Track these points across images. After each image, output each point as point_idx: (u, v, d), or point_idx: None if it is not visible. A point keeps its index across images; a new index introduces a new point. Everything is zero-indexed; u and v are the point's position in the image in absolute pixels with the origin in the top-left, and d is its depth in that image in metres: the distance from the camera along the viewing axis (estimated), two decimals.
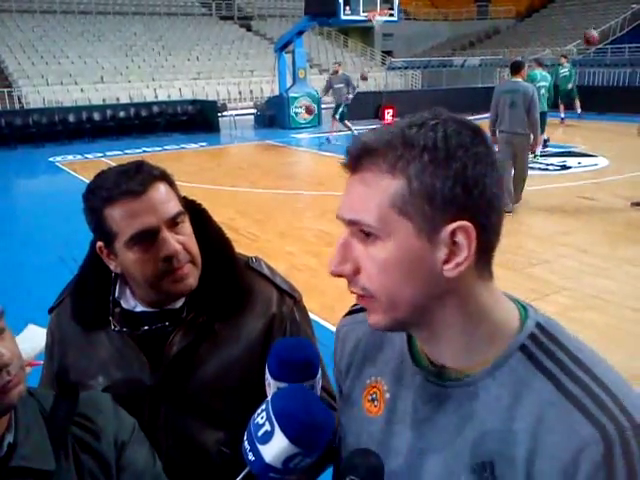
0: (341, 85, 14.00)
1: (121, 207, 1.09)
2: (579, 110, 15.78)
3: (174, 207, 1.14)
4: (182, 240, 1.14)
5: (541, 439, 0.68)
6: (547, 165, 10.39)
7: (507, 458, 0.70)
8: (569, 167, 10.27)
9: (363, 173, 0.71)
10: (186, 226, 1.17)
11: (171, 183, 1.18)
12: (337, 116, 14.12)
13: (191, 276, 1.16)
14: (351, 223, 0.73)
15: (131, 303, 1.22)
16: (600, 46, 24.57)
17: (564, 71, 15.48)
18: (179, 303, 1.20)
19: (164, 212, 1.12)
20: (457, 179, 0.68)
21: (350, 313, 0.99)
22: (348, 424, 0.91)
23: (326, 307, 4.67)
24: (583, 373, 0.70)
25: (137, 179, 1.10)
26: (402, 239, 0.70)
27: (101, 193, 1.11)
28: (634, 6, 26.88)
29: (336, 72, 14.24)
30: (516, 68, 7.34)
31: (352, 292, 0.76)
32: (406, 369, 0.83)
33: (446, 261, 0.70)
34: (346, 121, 14.20)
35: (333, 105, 14.50)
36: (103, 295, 1.22)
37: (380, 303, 0.74)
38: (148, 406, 1.19)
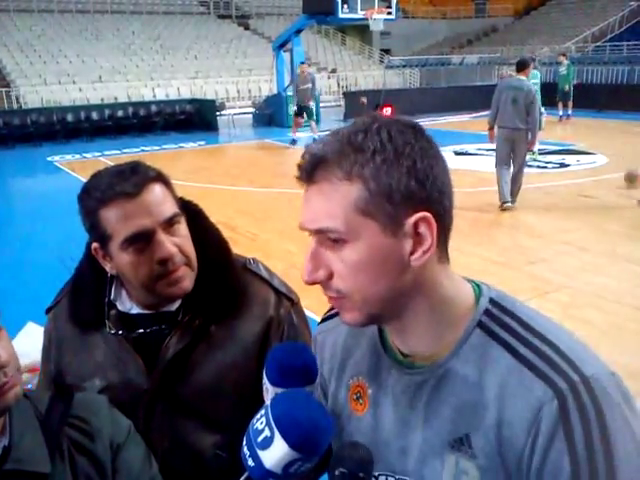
0: (308, 86, 13.36)
1: (115, 209, 1.08)
2: (570, 110, 15.85)
3: (169, 209, 1.12)
4: (178, 242, 1.12)
5: (505, 405, 0.73)
6: (546, 163, 10.39)
7: (480, 428, 0.75)
8: (568, 165, 10.27)
9: (320, 184, 0.75)
10: (182, 228, 1.15)
11: (167, 184, 1.16)
12: (312, 117, 13.55)
13: (186, 279, 1.14)
14: (318, 232, 0.76)
15: (127, 305, 1.21)
16: (599, 43, 24.60)
17: (562, 70, 15.53)
18: (175, 305, 1.19)
19: (159, 214, 1.10)
20: (410, 174, 0.73)
21: (324, 320, 1.04)
22: (339, 426, 0.92)
23: (324, 305, 4.63)
24: (535, 338, 0.76)
25: (132, 180, 1.09)
26: (369, 238, 0.74)
27: (96, 194, 1.09)
28: (632, 4, 26.88)
29: (303, 72, 13.50)
30: (522, 66, 7.42)
31: (327, 295, 0.80)
32: (382, 364, 0.88)
33: (412, 252, 0.75)
34: (297, 122, 13.59)
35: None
36: (99, 297, 1.21)
37: (354, 302, 0.78)
38: (144, 409, 1.18)
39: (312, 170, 0.75)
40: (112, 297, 1.21)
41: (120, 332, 1.18)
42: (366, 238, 0.74)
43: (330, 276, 0.77)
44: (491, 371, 0.76)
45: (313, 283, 0.78)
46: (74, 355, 1.24)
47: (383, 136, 0.73)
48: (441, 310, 0.80)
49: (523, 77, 7.35)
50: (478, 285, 0.84)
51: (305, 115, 13.73)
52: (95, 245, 1.15)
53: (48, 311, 1.31)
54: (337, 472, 0.76)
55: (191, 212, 1.23)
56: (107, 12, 26.01)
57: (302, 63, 14.16)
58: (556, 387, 0.71)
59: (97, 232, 1.12)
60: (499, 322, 0.78)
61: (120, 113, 16.17)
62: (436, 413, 0.79)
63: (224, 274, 1.22)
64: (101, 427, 1.00)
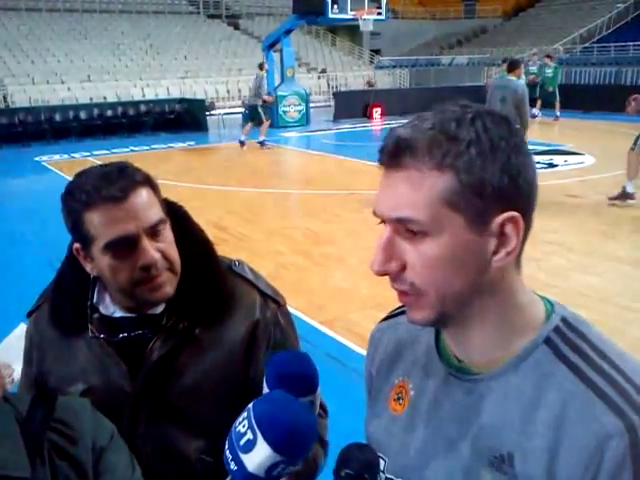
0: (265, 84, 13.22)
1: (100, 212, 1.06)
2: (558, 112, 16.00)
3: (155, 214, 1.10)
4: (161, 248, 1.11)
5: (564, 430, 0.68)
6: None
7: (527, 450, 0.70)
8: (556, 165, 10.33)
9: (408, 170, 0.70)
10: (167, 232, 1.13)
11: (154, 188, 1.14)
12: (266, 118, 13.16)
13: (168, 284, 1.13)
14: (398, 221, 0.71)
15: (110, 309, 1.19)
16: (586, 45, 24.78)
17: (549, 72, 15.72)
18: (159, 309, 1.17)
19: (144, 219, 1.08)
20: (504, 170, 0.69)
21: (386, 319, 1.00)
22: (375, 425, 0.90)
23: (313, 305, 4.66)
24: (607, 365, 0.70)
25: (119, 184, 1.07)
26: (454, 234, 0.70)
27: (81, 196, 1.07)
28: (619, 6, 27.09)
29: (264, 69, 13.18)
30: (510, 66, 7.78)
31: (396, 289, 0.76)
32: (432, 366, 0.83)
33: (495, 252, 0.71)
34: (250, 125, 13.28)
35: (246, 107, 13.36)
36: (81, 300, 1.19)
37: (428, 299, 0.73)
38: (128, 413, 1.16)
39: (398, 155, 0.70)
40: (95, 301, 1.19)
41: (102, 336, 1.16)
42: (450, 232, 0.70)
43: (403, 268, 0.73)
44: (552, 391, 0.70)
45: (384, 274, 0.74)
46: (56, 359, 1.22)
47: (478, 127, 0.69)
48: (510, 317, 0.75)
49: (513, 77, 7.63)
50: (551, 302, 0.79)
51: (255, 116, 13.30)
52: (77, 245, 1.13)
53: (29, 314, 1.29)
54: (343, 473, 0.75)
55: (175, 214, 1.21)
56: (95, 11, 25.81)
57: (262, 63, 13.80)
58: (628, 420, 0.64)
59: (79, 233, 1.10)
60: (569, 342, 0.73)
61: (109, 113, 16.07)
62: (478, 425, 0.74)
63: (209, 277, 1.20)
64: (83, 431, 0.98)
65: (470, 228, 0.70)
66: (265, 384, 0.86)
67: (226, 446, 0.77)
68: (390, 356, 0.92)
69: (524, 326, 0.75)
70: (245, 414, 0.77)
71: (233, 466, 0.75)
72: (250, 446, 0.73)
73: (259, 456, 0.73)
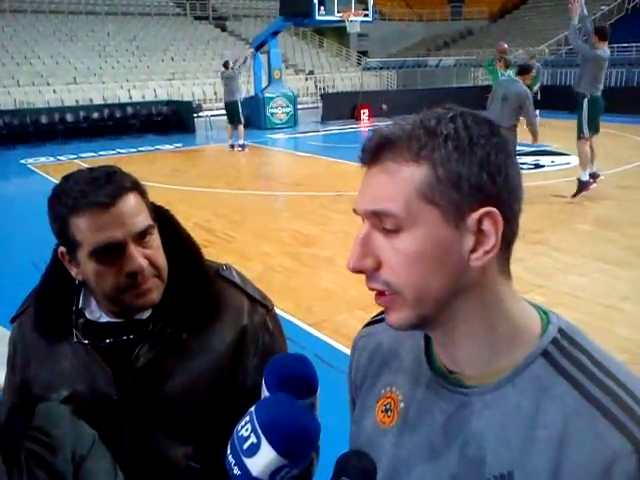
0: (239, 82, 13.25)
1: (87, 218, 1.04)
2: (537, 111, 16.20)
3: (143, 221, 1.09)
4: (149, 254, 1.09)
5: (567, 450, 0.65)
6: (521, 164, 10.46)
7: (528, 469, 0.67)
8: (542, 166, 10.42)
9: (385, 163, 0.70)
10: (154, 239, 1.12)
11: (142, 193, 1.13)
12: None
13: (154, 291, 1.11)
14: (374, 214, 0.70)
15: (96, 314, 1.17)
16: (572, 46, 25.01)
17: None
18: (146, 314, 1.15)
19: (132, 226, 1.07)
20: (482, 166, 0.68)
21: (368, 324, 0.97)
22: (360, 435, 0.87)
23: (302, 307, 4.66)
24: (609, 379, 0.67)
25: (107, 190, 1.05)
26: (429, 228, 0.68)
27: (67, 201, 1.05)
28: (603, 8, 27.38)
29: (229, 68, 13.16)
30: (521, 70, 8.28)
31: (371, 289, 0.73)
32: (422, 377, 0.80)
33: (473, 250, 0.69)
34: (231, 127, 13.42)
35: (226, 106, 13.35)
36: (66, 305, 1.17)
37: (404, 299, 0.71)
38: (113, 420, 1.14)
39: (378, 151, 0.70)
40: (80, 305, 1.18)
41: (87, 342, 1.14)
42: (425, 227, 0.68)
43: (378, 266, 0.71)
44: (553, 408, 0.67)
45: (359, 271, 0.72)
46: (41, 365, 1.20)
47: (458, 124, 0.69)
48: (500, 327, 0.72)
49: (520, 80, 7.92)
50: (545, 312, 0.76)
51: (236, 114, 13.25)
52: (62, 249, 1.12)
53: (13, 320, 1.27)
54: None
55: (162, 218, 1.20)
56: (81, 13, 25.65)
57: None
58: (634, 439, 0.62)
59: (65, 238, 1.09)
60: (568, 355, 0.70)
61: (95, 115, 15.99)
62: (476, 441, 0.71)
63: (196, 281, 1.19)
64: (63, 438, 0.96)
65: (446, 222, 0.68)
66: (264, 387, 0.85)
67: (228, 450, 0.76)
68: (375, 364, 0.89)
69: (517, 337, 0.72)
70: (247, 418, 0.76)
71: (236, 471, 0.74)
72: (254, 450, 0.73)
73: (263, 460, 0.72)
